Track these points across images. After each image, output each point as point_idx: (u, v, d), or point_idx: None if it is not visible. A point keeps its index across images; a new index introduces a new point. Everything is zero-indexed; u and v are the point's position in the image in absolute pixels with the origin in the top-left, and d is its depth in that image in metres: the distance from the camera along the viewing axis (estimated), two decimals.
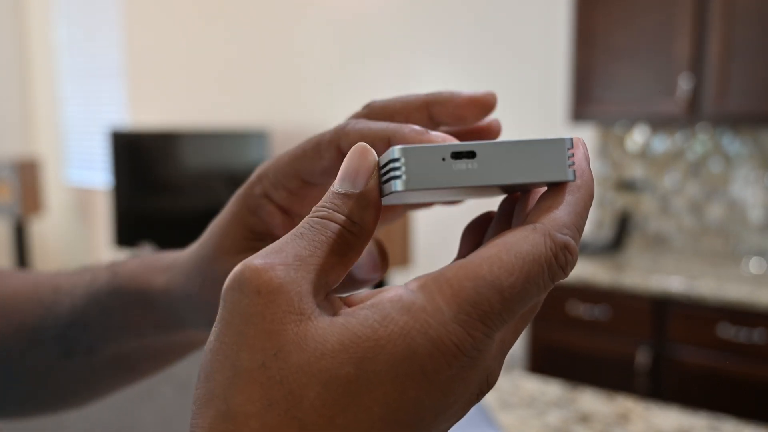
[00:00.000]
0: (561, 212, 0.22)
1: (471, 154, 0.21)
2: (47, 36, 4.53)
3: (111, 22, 4.14)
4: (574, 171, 0.22)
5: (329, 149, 0.28)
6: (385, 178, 0.22)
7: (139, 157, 3.57)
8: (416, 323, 0.19)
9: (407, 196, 0.23)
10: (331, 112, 3.26)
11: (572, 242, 0.21)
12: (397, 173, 0.21)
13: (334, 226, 0.22)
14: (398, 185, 0.21)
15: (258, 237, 0.30)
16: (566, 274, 0.21)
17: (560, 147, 0.22)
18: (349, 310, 0.21)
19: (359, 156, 0.23)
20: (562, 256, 0.21)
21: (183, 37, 3.79)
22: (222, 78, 3.65)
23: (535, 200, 0.24)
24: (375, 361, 0.19)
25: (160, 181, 3.53)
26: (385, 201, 0.24)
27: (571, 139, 0.22)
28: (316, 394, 0.19)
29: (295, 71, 3.37)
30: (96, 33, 4.25)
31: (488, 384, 0.22)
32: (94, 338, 0.35)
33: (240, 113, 3.60)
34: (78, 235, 4.52)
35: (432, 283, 0.20)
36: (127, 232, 3.68)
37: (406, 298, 0.20)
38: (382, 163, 0.23)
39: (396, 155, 0.21)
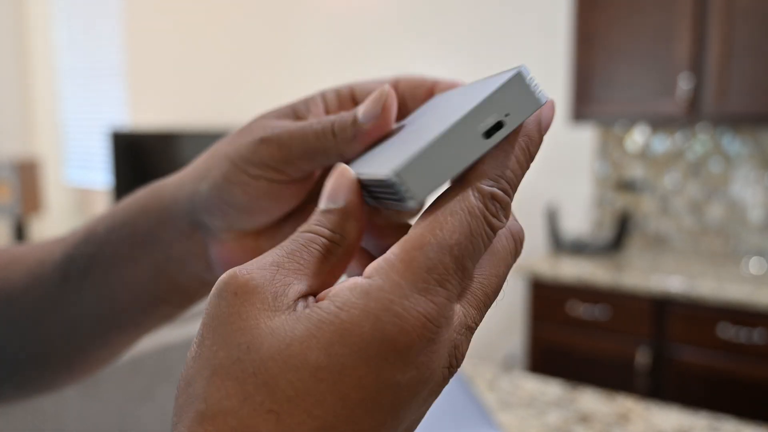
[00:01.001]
0: (486, 165, 0.22)
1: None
2: (47, 36, 4.53)
3: (111, 22, 4.14)
4: (542, 95, 0.22)
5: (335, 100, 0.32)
6: (383, 196, 0.23)
7: (139, 158, 3.57)
8: (377, 303, 0.20)
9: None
10: None
11: (497, 191, 0.22)
12: (404, 195, 0.21)
13: (314, 237, 0.23)
14: (411, 205, 0.21)
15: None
16: (502, 222, 0.22)
17: (520, 80, 0.22)
18: (311, 302, 0.21)
19: (339, 175, 0.24)
20: (491, 206, 0.21)
21: (183, 37, 3.79)
22: (222, 78, 3.65)
23: None
24: (344, 344, 0.19)
25: None
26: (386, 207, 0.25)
27: (522, 69, 0.22)
28: (288, 382, 0.19)
29: (295, 71, 3.37)
30: (96, 33, 4.25)
31: (456, 358, 0.22)
32: (90, 259, 0.35)
33: (240, 113, 3.60)
34: None
35: (383, 263, 0.20)
36: None
37: (362, 283, 0.20)
38: (370, 178, 0.23)
39: (393, 179, 0.21)
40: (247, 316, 0.20)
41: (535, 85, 0.22)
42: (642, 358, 2.05)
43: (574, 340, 2.16)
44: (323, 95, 0.32)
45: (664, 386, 2.03)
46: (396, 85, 0.32)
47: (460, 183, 0.22)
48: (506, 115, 0.21)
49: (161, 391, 1.36)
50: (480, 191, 0.21)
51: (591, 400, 1.03)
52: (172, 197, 0.33)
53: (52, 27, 4.49)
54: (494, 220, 0.21)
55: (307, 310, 0.20)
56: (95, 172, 4.36)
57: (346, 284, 0.21)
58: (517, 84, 0.21)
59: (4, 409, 1.10)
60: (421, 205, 0.22)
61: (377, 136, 0.29)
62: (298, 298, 0.21)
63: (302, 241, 0.23)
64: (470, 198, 0.21)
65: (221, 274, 0.33)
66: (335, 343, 0.19)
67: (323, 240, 0.23)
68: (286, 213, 0.33)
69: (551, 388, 1.08)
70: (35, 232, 4.81)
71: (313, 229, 0.23)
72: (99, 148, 4.32)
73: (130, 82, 4.07)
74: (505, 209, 0.22)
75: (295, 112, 0.31)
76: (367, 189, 0.24)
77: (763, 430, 0.94)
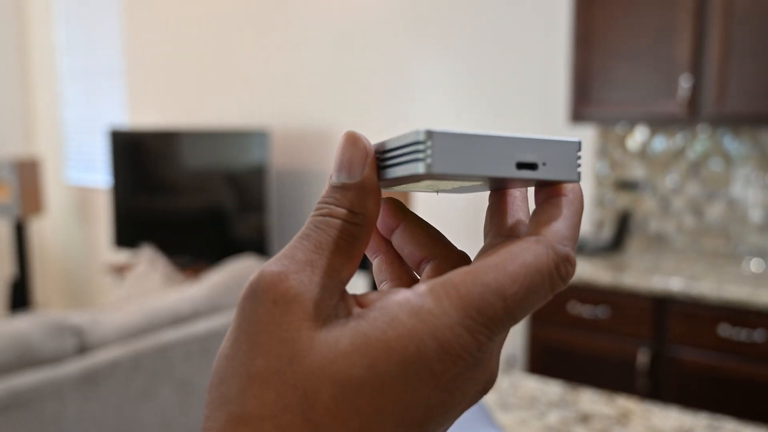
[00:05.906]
0: (560, 225, 0.23)
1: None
2: (47, 36, 4.53)
3: (111, 22, 4.14)
4: (579, 173, 0.23)
5: None
6: (396, 161, 0.22)
7: (139, 157, 3.57)
8: (425, 326, 0.20)
9: (410, 183, 0.23)
10: (330, 111, 3.26)
11: (572, 254, 0.22)
12: (421, 156, 0.21)
13: (337, 222, 0.22)
14: (420, 168, 0.21)
15: None
16: (565, 285, 0.22)
17: (572, 148, 0.23)
18: (359, 311, 0.21)
19: (351, 145, 0.23)
20: (563, 268, 0.22)
21: (182, 37, 3.79)
22: (222, 78, 3.65)
23: (513, 206, 0.26)
24: (388, 363, 0.20)
25: (159, 181, 3.53)
26: (384, 187, 0.25)
27: (580, 142, 0.23)
28: (330, 396, 0.20)
29: (295, 71, 3.37)
30: (96, 33, 4.25)
31: (491, 381, 0.23)
32: None
33: (240, 113, 3.60)
34: (78, 235, 4.52)
35: (440, 287, 0.21)
36: (127, 232, 3.68)
37: (414, 301, 0.21)
38: (393, 145, 0.23)
39: (422, 137, 0.21)
40: (288, 327, 0.20)
41: (580, 161, 0.23)
42: (642, 358, 2.05)
43: (574, 340, 2.16)
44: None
45: (664, 386, 2.03)
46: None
47: (535, 235, 0.22)
48: (543, 164, 0.22)
49: (161, 391, 1.35)
50: (555, 251, 0.22)
51: (591, 401, 1.03)
52: None
53: (52, 27, 4.49)
54: (559, 282, 0.22)
55: (353, 323, 0.21)
56: (95, 172, 4.36)
57: (395, 298, 0.21)
58: (569, 149, 0.23)
59: (4, 410, 1.11)
60: (428, 175, 0.21)
61: None
62: (339, 302, 0.22)
63: (327, 229, 0.22)
64: (543, 256, 0.21)
65: None
66: (380, 361, 0.20)
67: (347, 225, 0.22)
68: None
69: (551, 388, 1.08)
70: (35, 232, 4.81)
71: (335, 212, 0.22)
72: (99, 148, 4.32)
73: (130, 82, 4.07)
74: (573, 273, 0.22)
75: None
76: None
77: (763, 430, 0.94)
